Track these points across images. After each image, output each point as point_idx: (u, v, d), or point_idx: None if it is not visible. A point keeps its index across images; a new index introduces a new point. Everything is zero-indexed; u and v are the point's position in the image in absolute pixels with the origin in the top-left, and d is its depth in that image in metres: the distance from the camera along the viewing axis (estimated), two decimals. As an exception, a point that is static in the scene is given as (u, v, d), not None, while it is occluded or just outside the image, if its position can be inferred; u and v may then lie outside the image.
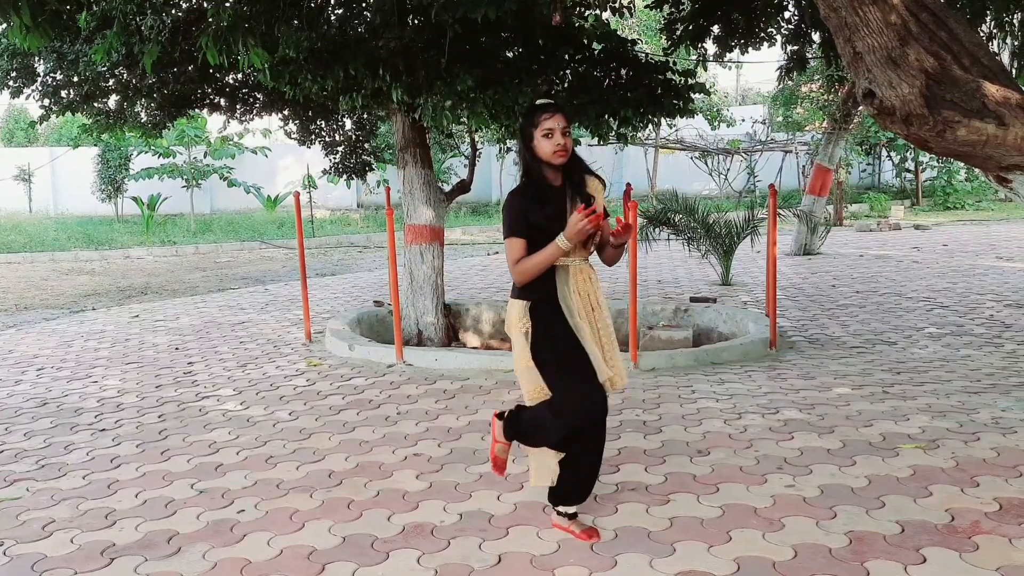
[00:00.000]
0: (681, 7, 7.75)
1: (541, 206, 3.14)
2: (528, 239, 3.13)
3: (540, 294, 3.16)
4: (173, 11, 6.66)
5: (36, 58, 7.83)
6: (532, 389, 3.19)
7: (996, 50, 7.62)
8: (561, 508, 3.36)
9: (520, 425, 3.33)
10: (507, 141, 9.78)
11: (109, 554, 3.30)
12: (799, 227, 13.19)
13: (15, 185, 24.41)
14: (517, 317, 3.18)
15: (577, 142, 7.88)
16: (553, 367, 3.15)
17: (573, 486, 3.33)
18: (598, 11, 7.22)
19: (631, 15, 7.90)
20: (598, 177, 3.29)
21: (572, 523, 3.33)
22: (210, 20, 5.45)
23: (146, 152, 21.03)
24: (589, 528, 3.32)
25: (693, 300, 8.59)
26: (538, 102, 3.23)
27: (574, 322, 3.14)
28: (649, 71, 6.82)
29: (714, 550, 3.15)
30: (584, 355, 3.13)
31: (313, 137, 10.08)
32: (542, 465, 3.34)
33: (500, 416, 3.40)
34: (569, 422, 3.16)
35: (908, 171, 22.87)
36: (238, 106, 8.94)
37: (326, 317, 8.39)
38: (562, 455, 3.27)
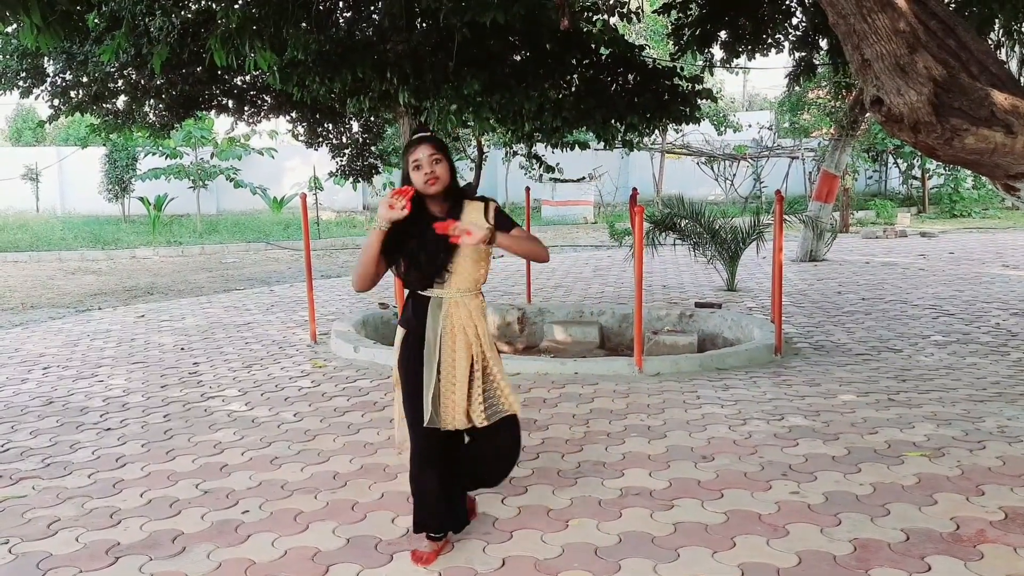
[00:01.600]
0: (688, 12, 7.76)
1: (419, 247, 3.08)
2: (403, 261, 3.12)
3: (414, 326, 3.15)
4: (182, 12, 6.70)
5: (46, 59, 7.88)
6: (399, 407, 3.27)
7: (1004, 58, 7.61)
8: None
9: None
10: (514, 145, 9.77)
11: (114, 553, 3.31)
12: (805, 233, 13.17)
13: (22, 184, 24.49)
14: (396, 343, 3.24)
15: (585, 145, 7.94)
16: (408, 405, 3.19)
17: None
18: (606, 16, 7.23)
19: (639, 20, 7.90)
20: (485, 200, 3.19)
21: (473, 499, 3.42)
22: (219, 22, 5.47)
23: (153, 153, 21.09)
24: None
25: (698, 305, 8.58)
26: (413, 136, 3.19)
27: (430, 359, 3.09)
28: (656, 76, 6.83)
29: (718, 556, 3.15)
30: (419, 392, 3.10)
31: (320, 139, 10.12)
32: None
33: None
34: (415, 464, 3.19)
35: (915, 178, 22.83)
36: (246, 108, 8.98)
37: (331, 319, 8.40)
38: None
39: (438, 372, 3.09)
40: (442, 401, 3.09)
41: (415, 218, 3.05)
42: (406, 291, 3.24)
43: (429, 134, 3.16)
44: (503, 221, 3.17)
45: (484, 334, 3.15)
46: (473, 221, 3.05)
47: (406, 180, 3.11)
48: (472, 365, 3.11)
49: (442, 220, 3.03)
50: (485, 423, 3.10)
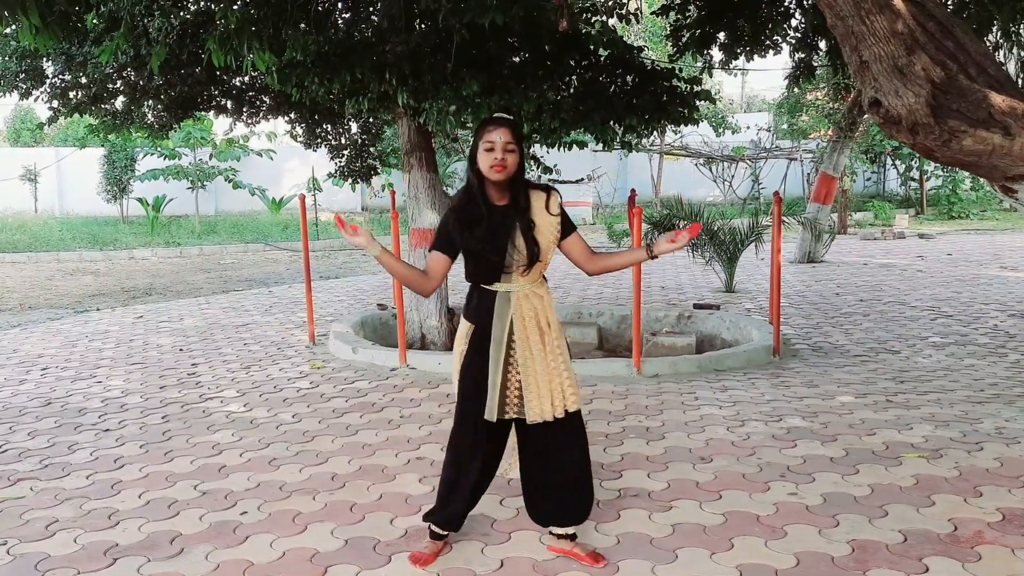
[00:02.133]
0: (687, 14, 7.77)
1: (471, 229, 3.02)
2: (465, 255, 3.08)
3: (480, 320, 3.08)
4: (181, 13, 6.70)
5: (45, 60, 7.88)
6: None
7: (1003, 60, 7.62)
8: (557, 530, 3.24)
9: None
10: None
11: (112, 554, 3.31)
12: (803, 235, 13.17)
13: (21, 185, 24.46)
14: (460, 336, 3.16)
15: (583, 145, 7.92)
16: (462, 397, 3.15)
17: (537, 503, 3.23)
18: (605, 18, 7.23)
19: (638, 22, 7.91)
20: (549, 190, 3.12)
21: (574, 545, 3.20)
22: (218, 23, 5.47)
23: (152, 153, 21.06)
24: (594, 552, 3.18)
25: (697, 307, 8.59)
26: (494, 115, 3.12)
27: (496, 355, 3.03)
28: (655, 78, 6.83)
29: (716, 557, 3.15)
30: (484, 386, 3.05)
31: (319, 140, 10.11)
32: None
33: None
34: (455, 453, 3.19)
35: (913, 180, 22.84)
36: (244, 109, 8.98)
37: (330, 320, 8.40)
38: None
39: (511, 366, 3.03)
40: (526, 395, 3.02)
41: (474, 207, 3.01)
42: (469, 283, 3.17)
43: (510, 118, 3.05)
44: (567, 222, 3.13)
45: (556, 324, 3.10)
46: (543, 222, 3.03)
47: (473, 158, 3.02)
48: (549, 355, 3.05)
49: (502, 207, 3.01)
50: (556, 416, 3.04)
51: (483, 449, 3.14)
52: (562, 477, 3.16)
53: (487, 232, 3.01)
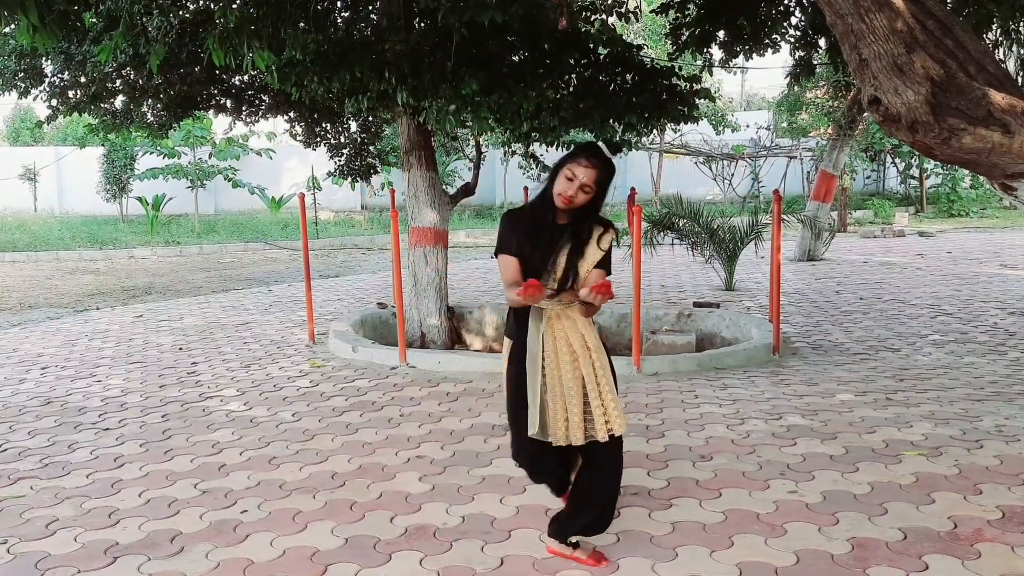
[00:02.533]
0: (687, 12, 7.76)
1: (530, 237, 3.01)
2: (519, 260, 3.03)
3: (519, 337, 3.07)
4: (180, 12, 6.69)
5: (44, 59, 7.87)
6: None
7: (1002, 58, 7.62)
8: (573, 538, 3.21)
9: None
10: (512, 145, 9.78)
11: (112, 553, 3.31)
12: (803, 233, 13.18)
13: (20, 184, 24.46)
14: (504, 353, 3.19)
15: (620, 147, 7.91)
16: (512, 410, 3.15)
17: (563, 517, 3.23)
18: (604, 16, 7.23)
19: (637, 20, 7.91)
20: (608, 227, 3.10)
21: (577, 550, 3.16)
22: (217, 22, 5.47)
23: (151, 152, 21.06)
24: (596, 552, 3.17)
25: (696, 305, 8.59)
26: (596, 143, 3.09)
27: (533, 369, 2.99)
28: (654, 76, 6.82)
29: (716, 555, 3.15)
30: (525, 403, 3.02)
31: (318, 139, 10.11)
32: None
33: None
34: (521, 463, 3.23)
35: (913, 178, 22.84)
36: (244, 107, 8.97)
37: (329, 319, 8.40)
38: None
39: (544, 385, 2.99)
40: (551, 417, 2.98)
41: (538, 217, 3.02)
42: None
43: (606, 156, 3.01)
44: (606, 260, 3.08)
45: (594, 347, 3.01)
46: (590, 252, 3.01)
47: (553, 177, 3.01)
48: (584, 379, 2.98)
49: (561, 225, 3.01)
50: (577, 443, 2.98)
51: (549, 469, 3.19)
52: (596, 495, 3.12)
53: (542, 243, 3.01)
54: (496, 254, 3.11)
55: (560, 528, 3.19)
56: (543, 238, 3.02)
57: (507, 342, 3.15)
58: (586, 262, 3.03)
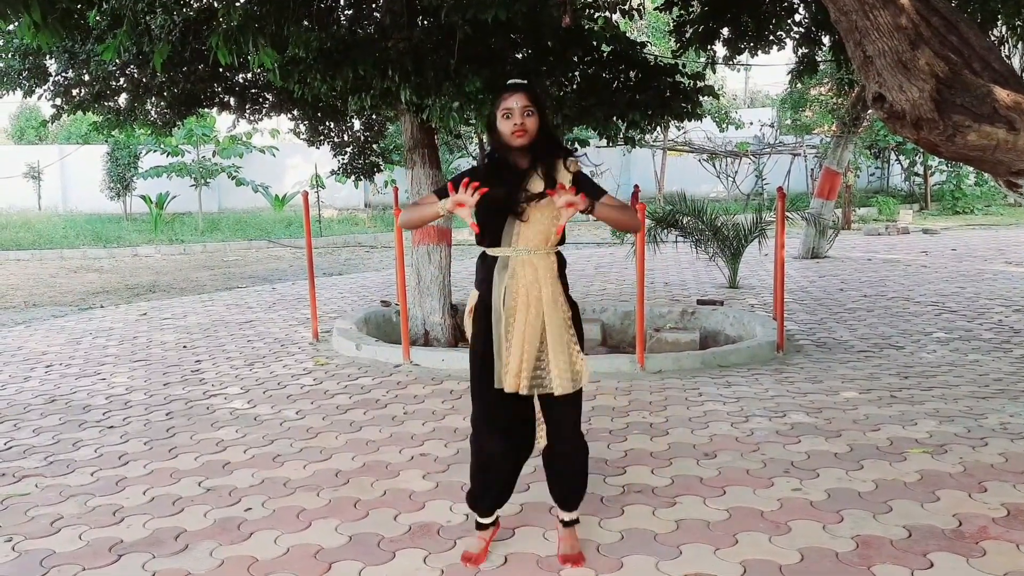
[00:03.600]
0: (690, 9, 7.75)
1: (497, 182, 2.93)
2: (477, 215, 2.93)
3: (481, 288, 3.06)
4: (183, 10, 6.69)
5: (47, 57, 7.88)
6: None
7: (1007, 54, 7.60)
8: (559, 514, 3.23)
9: None
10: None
11: (117, 551, 3.32)
12: (807, 230, 13.16)
13: (25, 182, 24.49)
14: (468, 308, 3.15)
15: (585, 143, 7.93)
16: (471, 369, 3.14)
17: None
18: (608, 13, 7.22)
19: (640, 17, 7.90)
20: (568, 153, 3.03)
21: (565, 535, 3.19)
22: (220, 19, 5.47)
23: (155, 150, 21.09)
24: (573, 554, 3.14)
25: (700, 303, 8.58)
26: (508, 82, 3.04)
27: (496, 322, 2.98)
28: (658, 73, 6.82)
29: (720, 553, 3.15)
30: (490, 355, 3.01)
31: (322, 137, 10.11)
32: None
33: None
34: (475, 427, 3.16)
35: (917, 175, 22.79)
36: (247, 105, 8.98)
37: (333, 316, 8.41)
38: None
39: (506, 333, 2.97)
40: (504, 364, 2.97)
41: (496, 171, 2.99)
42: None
43: (526, 82, 3.01)
44: (588, 187, 2.94)
45: (548, 299, 2.95)
46: (560, 178, 2.95)
47: (492, 127, 2.99)
48: (544, 330, 2.95)
49: (524, 170, 2.96)
50: (524, 391, 2.95)
51: (499, 423, 3.09)
52: (552, 454, 3.16)
53: (502, 181, 2.94)
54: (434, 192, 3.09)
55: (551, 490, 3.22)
56: (510, 182, 2.96)
57: (472, 296, 3.14)
58: (559, 178, 2.96)
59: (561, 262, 3.07)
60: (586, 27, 6.90)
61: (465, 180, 2.83)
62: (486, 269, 3.04)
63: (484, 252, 3.08)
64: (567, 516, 3.20)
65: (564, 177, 2.97)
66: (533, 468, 4.07)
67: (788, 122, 22.72)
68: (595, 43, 6.85)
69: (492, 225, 2.99)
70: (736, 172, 23.59)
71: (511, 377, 2.96)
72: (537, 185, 2.94)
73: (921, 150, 16.09)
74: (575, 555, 3.13)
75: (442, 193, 2.97)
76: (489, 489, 3.20)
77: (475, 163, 8.97)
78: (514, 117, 2.91)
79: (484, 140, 9.60)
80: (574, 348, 3.01)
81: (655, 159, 24.16)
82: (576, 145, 7.67)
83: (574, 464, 3.16)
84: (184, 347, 7.46)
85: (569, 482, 3.18)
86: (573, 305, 3.08)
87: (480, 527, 3.24)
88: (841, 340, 7.14)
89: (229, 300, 10.35)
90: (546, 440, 3.17)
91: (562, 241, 3.04)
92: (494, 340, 3.00)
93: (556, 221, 2.92)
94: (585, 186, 2.94)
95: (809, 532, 3.30)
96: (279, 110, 9.14)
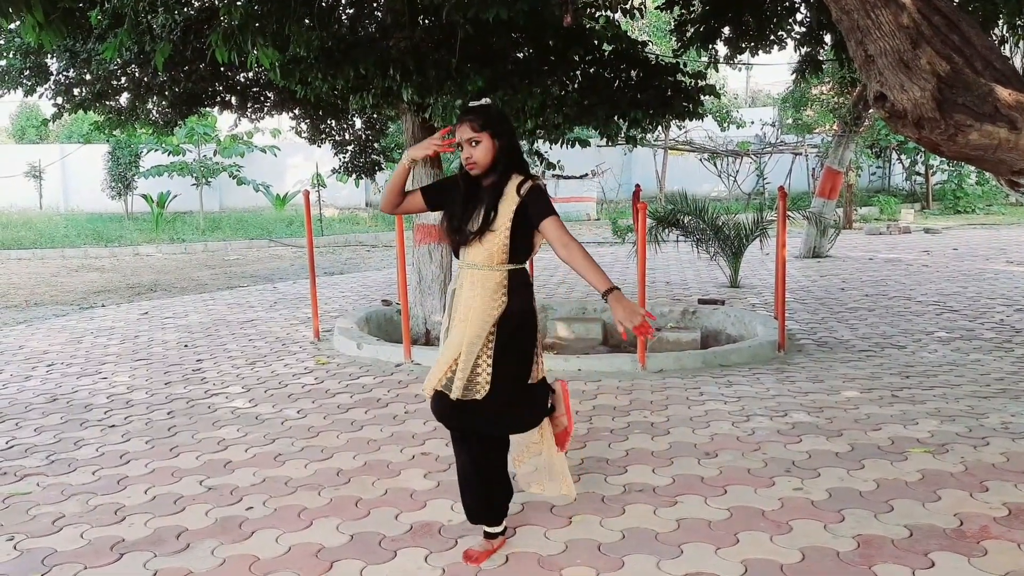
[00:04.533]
0: (692, 9, 7.75)
1: (455, 201, 3.13)
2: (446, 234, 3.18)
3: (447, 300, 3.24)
4: (184, 9, 6.70)
5: (49, 57, 7.88)
6: None
7: (1008, 54, 7.59)
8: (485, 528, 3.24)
9: None
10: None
11: (118, 549, 3.32)
12: (808, 230, 13.15)
13: (26, 182, 24.52)
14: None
15: (586, 143, 7.93)
16: None
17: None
18: (609, 12, 7.21)
19: (642, 16, 7.90)
20: (528, 178, 3.04)
21: (481, 544, 3.21)
22: (221, 18, 5.46)
23: (156, 150, 21.11)
24: (476, 550, 3.18)
25: (701, 302, 8.58)
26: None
27: (445, 326, 3.15)
28: (659, 73, 6.82)
29: (721, 552, 3.15)
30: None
31: (323, 136, 10.11)
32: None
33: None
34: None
35: (918, 174, 22.79)
36: (249, 104, 8.98)
37: (334, 316, 8.41)
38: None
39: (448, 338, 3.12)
40: (438, 367, 3.09)
41: (461, 182, 3.12)
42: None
43: (475, 107, 3.08)
44: (537, 207, 2.99)
45: (478, 311, 3.01)
46: (508, 199, 3.00)
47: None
48: (467, 343, 3.02)
49: (486, 187, 3.05)
50: (454, 396, 3.02)
51: (453, 432, 3.24)
52: (460, 464, 3.26)
53: (463, 200, 3.10)
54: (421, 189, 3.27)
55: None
56: (464, 204, 3.10)
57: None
58: (504, 207, 3.00)
59: (518, 278, 3.08)
60: (587, 26, 6.89)
61: (433, 142, 3.07)
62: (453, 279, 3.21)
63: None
64: (489, 528, 3.23)
65: (511, 201, 3.01)
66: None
67: (789, 121, 22.70)
68: (596, 42, 6.85)
69: (451, 232, 3.14)
70: (737, 171, 23.60)
71: (433, 379, 3.09)
72: (482, 209, 3.04)
73: (922, 149, 16.06)
74: (479, 552, 3.17)
75: (427, 190, 3.25)
76: (463, 495, 3.25)
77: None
78: (464, 150, 3.03)
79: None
80: (483, 360, 3.03)
81: (656, 158, 24.16)
82: (577, 144, 7.64)
83: (478, 475, 3.17)
84: (185, 346, 7.47)
85: (474, 493, 3.21)
86: (528, 318, 3.11)
87: (487, 536, 3.23)
88: (842, 339, 7.14)
89: (230, 299, 10.35)
90: (518, 462, 3.35)
91: (528, 255, 3.13)
92: (440, 347, 3.16)
93: (504, 244, 3.00)
94: (533, 206, 3.00)
95: (810, 531, 3.30)
96: (280, 109, 9.14)
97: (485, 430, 3.13)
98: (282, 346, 7.35)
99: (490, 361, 3.04)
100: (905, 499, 3.57)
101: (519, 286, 3.08)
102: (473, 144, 3.00)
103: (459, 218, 3.09)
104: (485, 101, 3.15)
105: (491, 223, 3.00)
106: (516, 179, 3.04)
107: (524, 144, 8.99)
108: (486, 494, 3.20)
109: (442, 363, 3.08)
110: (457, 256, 3.15)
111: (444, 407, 3.11)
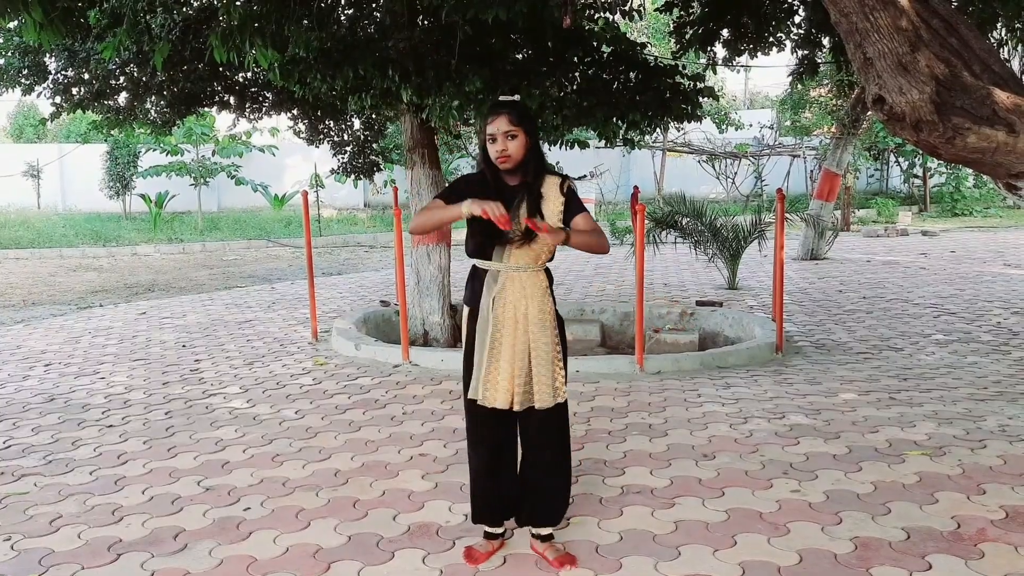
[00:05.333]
0: (690, 11, 7.76)
1: (487, 197, 2.96)
2: (468, 228, 3.05)
3: (473, 303, 3.09)
4: (183, 9, 6.70)
5: (47, 56, 7.88)
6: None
7: (1007, 57, 7.61)
8: (532, 530, 3.20)
9: None
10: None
11: (116, 550, 3.32)
12: (806, 232, 13.16)
13: (24, 181, 24.48)
14: (463, 323, 3.17)
15: (585, 145, 7.94)
16: (465, 382, 3.13)
17: (528, 507, 3.18)
18: (608, 14, 7.22)
19: (641, 18, 7.90)
20: (562, 176, 3.10)
21: (547, 547, 3.15)
22: (220, 18, 5.47)
23: (154, 150, 21.09)
24: (564, 555, 3.12)
25: (699, 304, 8.58)
26: (498, 99, 3.09)
27: (483, 334, 3.01)
28: (658, 74, 6.82)
29: (719, 554, 3.15)
30: (471, 366, 3.06)
31: (322, 136, 10.11)
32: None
33: None
34: (468, 438, 3.19)
35: (916, 177, 22.80)
36: (247, 104, 8.98)
37: (332, 316, 8.41)
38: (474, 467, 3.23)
39: (493, 348, 3.00)
40: (492, 379, 3.00)
41: (489, 186, 3.01)
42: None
43: (509, 101, 3.03)
44: (574, 205, 3.06)
45: (535, 317, 3.01)
46: (551, 199, 3.01)
47: (483, 149, 3.04)
48: (530, 346, 3.00)
49: (513, 187, 3.00)
50: (517, 408, 3.00)
51: (488, 438, 3.14)
52: (534, 474, 3.17)
53: (500, 200, 2.96)
54: (437, 197, 3.11)
55: (518, 512, 3.23)
56: (502, 198, 2.97)
57: (465, 310, 3.16)
58: (549, 208, 3.02)
59: (549, 278, 3.12)
60: (586, 28, 6.90)
61: (500, 213, 2.81)
62: (477, 281, 3.09)
63: (475, 266, 3.12)
64: (544, 531, 3.19)
65: (555, 202, 3.03)
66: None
67: (788, 123, 22.75)
68: (595, 44, 6.85)
69: (484, 241, 3.04)
70: (735, 173, 23.60)
71: (502, 394, 3.00)
72: (524, 212, 2.99)
73: (920, 152, 16.08)
74: (567, 555, 3.13)
75: (448, 197, 3.03)
76: (475, 498, 3.23)
77: (474, 161, 8.99)
78: (497, 142, 2.96)
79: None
80: (558, 365, 3.07)
81: (655, 160, 24.16)
82: (576, 146, 7.65)
83: (557, 477, 3.18)
84: (183, 346, 7.46)
85: (549, 496, 3.17)
86: (560, 321, 3.15)
87: (487, 536, 3.23)
88: (840, 342, 7.15)
89: (228, 299, 10.35)
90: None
91: (551, 257, 3.12)
92: (476, 349, 3.03)
93: (546, 245, 2.98)
94: (572, 204, 3.05)
95: (808, 533, 3.30)
96: (279, 109, 9.14)
97: (557, 431, 3.12)
98: (280, 347, 7.35)
99: (562, 364, 3.08)
100: (902, 501, 3.57)
101: (551, 285, 3.13)
102: (510, 138, 2.95)
103: (489, 229, 2.95)
104: (516, 97, 3.11)
105: (538, 209, 3.00)
106: (553, 180, 3.06)
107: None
108: (551, 491, 3.17)
109: (503, 377, 2.99)
110: (487, 258, 3.05)
111: (510, 420, 3.07)
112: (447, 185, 3.13)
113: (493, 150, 2.97)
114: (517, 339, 2.99)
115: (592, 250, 3.06)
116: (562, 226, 2.98)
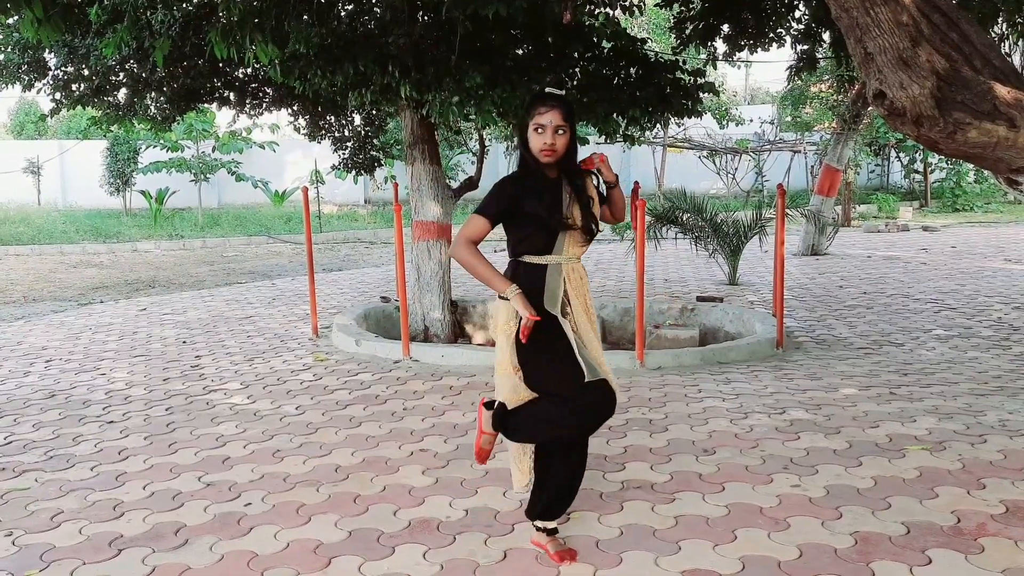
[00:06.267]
0: (691, 6, 7.74)
1: (537, 198, 2.99)
2: (518, 226, 3.03)
3: (535, 297, 2.99)
4: (183, 5, 6.68)
5: (47, 52, 7.87)
6: (509, 393, 3.09)
7: (1008, 51, 7.60)
8: (539, 523, 3.18)
9: (511, 418, 3.13)
10: (515, 138, 9.78)
11: (117, 545, 3.32)
12: (807, 227, 13.16)
13: (24, 177, 24.45)
14: (505, 320, 3.04)
15: (584, 140, 7.93)
16: (543, 368, 3.01)
17: (548, 501, 3.15)
18: (608, 9, 7.21)
19: (641, 13, 7.89)
20: (591, 174, 3.17)
21: (549, 541, 3.14)
22: (220, 15, 5.46)
23: (154, 146, 21.08)
24: (565, 549, 3.12)
25: (700, 299, 8.58)
26: (545, 90, 3.05)
27: (569, 321, 3.01)
28: (658, 70, 6.81)
29: (719, 549, 3.16)
30: (571, 354, 2.96)
31: (322, 133, 10.10)
32: (518, 469, 3.26)
33: (488, 405, 3.20)
34: (569, 420, 3.01)
35: (917, 172, 22.79)
36: (247, 101, 8.96)
37: (333, 312, 8.41)
38: (534, 459, 3.19)
39: (577, 333, 3.03)
40: (590, 357, 3.01)
41: (533, 180, 3.02)
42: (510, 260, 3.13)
43: (561, 94, 3.00)
44: (600, 198, 3.24)
45: (588, 309, 3.14)
46: (589, 189, 3.15)
47: (523, 138, 3.00)
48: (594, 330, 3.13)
49: (555, 179, 3.04)
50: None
51: (583, 415, 3.03)
52: (577, 471, 3.18)
53: (547, 201, 2.99)
54: (475, 212, 3.05)
55: (531, 509, 3.22)
56: (546, 198, 3.01)
57: (509, 307, 3.00)
58: (595, 203, 3.15)
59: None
60: (587, 23, 6.89)
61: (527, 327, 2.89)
62: (534, 276, 3.01)
63: (523, 262, 3.04)
64: (551, 525, 3.19)
65: (592, 191, 3.17)
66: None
67: (788, 119, 22.73)
68: (596, 39, 6.85)
69: (538, 233, 3.02)
70: (736, 169, 23.59)
71: (604, 368, 3.05)
72: (576, 212, 3.04)
73: (921, 147, 16.08)
74: (568, 550, 3.13)
75: (489, 213, 3.01)
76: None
77: (475, 157, 8.98)
78: (545, 134, 2.94)
79: (484, 136, 9.59)
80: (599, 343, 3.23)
81: (655, 156, 24.15)
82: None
83: (583, 468, 3.21)
84: (184, 342, 7.47)
85: (574, 488, 3.20)
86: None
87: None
88: (840, 337, 7.15)
89: (229, 296, 10.35)
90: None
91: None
92: (572, 340, 2.98)
93: (591, 224, 3.08)
94: (601, 199, 3.24)
95: (808, 528, 3.30)
96: (279, 105, 9.13)
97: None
98: (280, 342, 7.35)
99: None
100: (903, 496, 3.58)
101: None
102: (559, 132, 2.94)
103: (559, 211, 2.99)
104: (559, 91, 3.05)
105: (595, 229, 3.12)
106: (591, 177, 3.17)
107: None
108: (577, 482, 3.22)
109: (598, 352, 3.10)
110: (548, 252, 3.01)
111: (599, 400, 3.03)
112: (490, 197, 3.04)
113: (539, 140, 2.94)
114: (589, 322, 3.11)
115: (620, 208, 3.26)
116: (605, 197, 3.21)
